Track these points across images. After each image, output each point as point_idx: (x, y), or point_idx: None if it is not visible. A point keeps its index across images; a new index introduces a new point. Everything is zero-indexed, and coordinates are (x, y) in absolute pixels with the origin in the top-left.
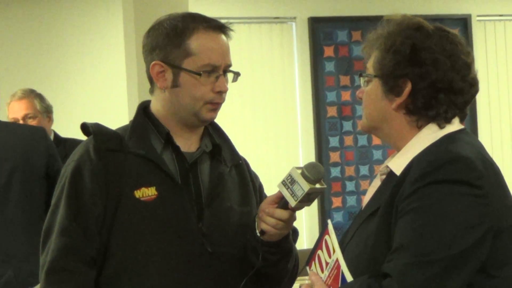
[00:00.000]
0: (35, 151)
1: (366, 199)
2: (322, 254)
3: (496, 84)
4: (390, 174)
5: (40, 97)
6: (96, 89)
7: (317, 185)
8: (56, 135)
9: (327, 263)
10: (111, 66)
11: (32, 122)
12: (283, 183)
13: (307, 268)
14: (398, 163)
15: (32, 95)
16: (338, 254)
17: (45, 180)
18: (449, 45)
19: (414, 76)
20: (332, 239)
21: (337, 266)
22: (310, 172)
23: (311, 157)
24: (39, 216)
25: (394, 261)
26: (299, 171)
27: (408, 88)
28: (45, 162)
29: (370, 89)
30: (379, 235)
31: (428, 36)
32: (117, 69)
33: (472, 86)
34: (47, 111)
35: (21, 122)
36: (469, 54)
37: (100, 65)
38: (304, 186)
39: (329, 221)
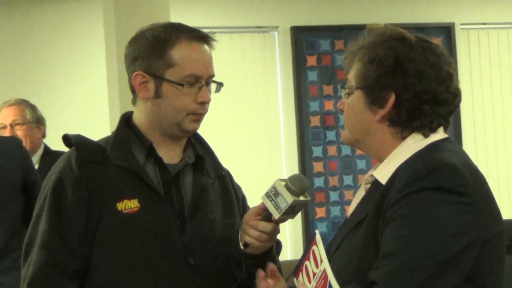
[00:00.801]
0: (10, 162)
1: (350, 209)
2: (310, 264)
3: (480, 92)
4: (375, 183)
5: (32, 107)
6: (77, 100)
7: (301, 198)
8: (45, 147)
9: (314, 274)
10: (92, 76)
11: (19, 130)
12: (267, 195)
13: (294, 279)
14: (383, 172)
15: (24, 103)
16: (326, 264)
17: (21, 192)
18: (432, 56)
19: (398, 87)
20: (320, 249)
21: (324, 276)
22: (294, 184)
23: (294, 167)
24: (16, 228)
25: (381, 268)
26: (283, 183)
27: (392, 99)
28: (21, 174)
29: (352, 101)
30: (366, 244)
31: (411, 47)
32: (98, 79)
33: (455, 96)
34: (38, 122)
35: (8, 128)
36: (451, 64)
37: (80, 76)
38: (288, 199)
39: (317, 231)
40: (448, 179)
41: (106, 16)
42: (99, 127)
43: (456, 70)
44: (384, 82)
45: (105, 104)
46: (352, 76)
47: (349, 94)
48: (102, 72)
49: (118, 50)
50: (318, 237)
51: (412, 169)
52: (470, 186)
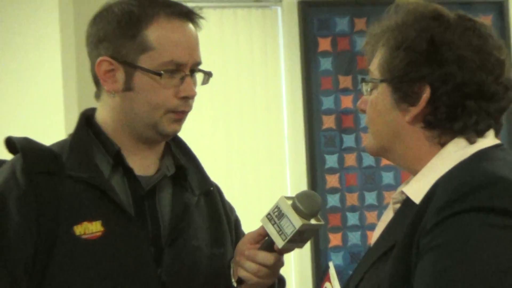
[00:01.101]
0: None
1: (375, 235)
2: None
3: None
4: (407, 202)
5: None
6: (24, 93)
7: (312, 221)
8: None
9: None
10: (43, 63)
11: None
12: (268, 217)
13: None
14: (416, 188)
15: None
16: None
17: None
18: (477, 39)
19: (433, 79)
20: (334, 286)
21: None
22: (304, 204)
23: (302, 182)
24: None
25: None
26: (290, 201)
27: (426, 94)
28: None
29: (376, 98)
30: (395, 281)
31: (450, 28)
32: (51, 66)
33: (508, 89)
34: None
35: None
36: (502, 49)
37: (27, 62)
38: (295, 222)
39: (330, 264)
40: (500, 197)
41: None
42: (51, 128)
43: (509, 55)
44: (416, 73)
45: (59, 98)
46: (375, 67)
47: (372, 89)
48: (55, 57)
49: (77, 29)
50: (332, 271)
51: (453, 185)
52: None
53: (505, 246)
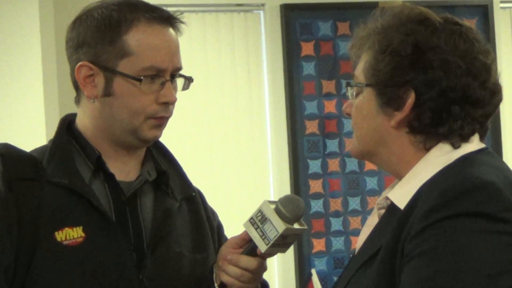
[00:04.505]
0: None
1: (359, 241)
2: None
3: None
4: (391, 207)
5: None
6: (4, 99)
7: (296, 225)
8: None
9: None
10: (23, 67)
11: None
12: (251, 221)
13: None
14: (401, 194)
15: None
16: None
17: None
18: (463, 43)
19: (418, 83)
20: None
21: None
22: (287, 208)
23: (286, 187)
24: None
25: None
26: (273, 206)
27: (411, 99)
28: None
29: (361, 102)
30: (380, 286)
31: (436, 31)
32: (31, 71)
33: (494, 94)
34: None
35: None
36: (489, 53)
37: (7, 67)
38: (278, 226)
39: (313, 271)
40: (487, 202)
41: None
42: (32, 133)
43: (495, 60)
44: (401, 77)
45: (40, 103)
46: (360, 71)
47: (357, 93)
48: (36, 62)
49: (57, 33)
50: (314, 278)
51: (438, 190)
52: None
53: (491, 251)
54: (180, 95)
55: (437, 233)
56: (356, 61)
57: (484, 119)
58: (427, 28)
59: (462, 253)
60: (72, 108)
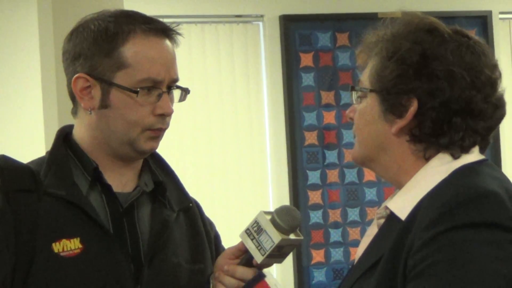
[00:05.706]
0: None
1: (359, 250)
2: None
3: None
4: (391, 217)
5: None
6: (3, 111)
7: (292, 236)
8: None
9: None
10: (22, 78)
11: None
12: (247, 232)
13: None
14: (401, 204)
15: None
16: None
17: None
18: (470, 55)
19: (421, 92)
20: None
21: None
22: (283, 219)
23: (285, 198)
24: None
25: None
26: (269, 217)
27: (413, 107)
28: None
29: (365, 108)
30: None
31: (443, 42)
32: (31, 82)
33: (497, 108)
34: None
35: None
36: (496, 68)
37: (6, 78)
38: (274, 237)
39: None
40: (490, 211)
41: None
42: (30, 145)
43: (500, 75)
44: (405, 85)
45: (39, 115)
46: (366, 76)
47: (361, 98)
48: (35, 73)
49: (56, 45)
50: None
51: (440, 201)
52: None
53: (498, 262)
54: (179, 105)
55: (440, 247)
56: (363, 66)
57: (486, 132)
58: (435, 38)
59: (467, 268)
60: (71, 118)
